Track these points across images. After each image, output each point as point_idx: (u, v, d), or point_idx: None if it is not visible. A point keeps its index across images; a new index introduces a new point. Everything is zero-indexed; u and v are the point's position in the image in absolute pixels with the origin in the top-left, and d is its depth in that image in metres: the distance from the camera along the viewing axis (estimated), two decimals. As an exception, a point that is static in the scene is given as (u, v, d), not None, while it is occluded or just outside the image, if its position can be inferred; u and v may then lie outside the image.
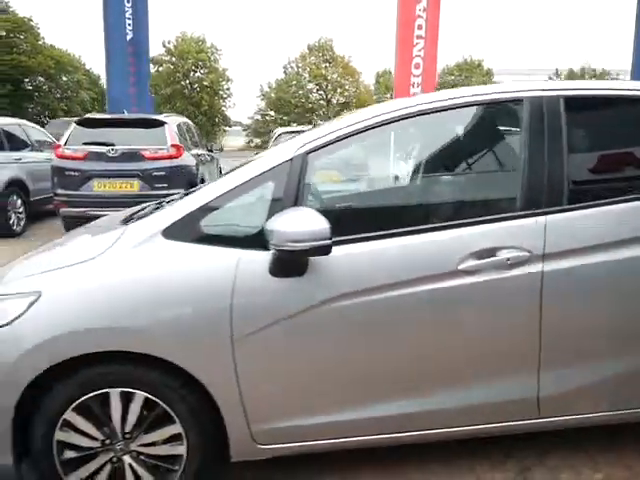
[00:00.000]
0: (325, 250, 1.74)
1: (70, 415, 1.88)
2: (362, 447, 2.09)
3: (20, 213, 7.90)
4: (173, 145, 7.28)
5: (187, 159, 7.51)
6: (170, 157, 7.21)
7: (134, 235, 1.94)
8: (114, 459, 1.94)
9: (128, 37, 10.51)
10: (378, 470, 2.22)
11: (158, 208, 2.27)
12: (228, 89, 39.30)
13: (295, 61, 39.42)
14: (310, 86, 39.26)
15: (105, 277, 1.87)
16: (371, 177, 2.30)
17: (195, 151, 8.18)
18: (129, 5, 10.35)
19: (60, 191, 7.10)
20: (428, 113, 2.03)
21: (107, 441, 1.92)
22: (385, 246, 1.92)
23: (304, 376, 1.95)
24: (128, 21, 10.43)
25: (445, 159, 2.19)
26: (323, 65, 38.47)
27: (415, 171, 2.21)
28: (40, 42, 31.74)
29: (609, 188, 2.14)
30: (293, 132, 8.38)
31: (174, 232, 1.91)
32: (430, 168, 2.20)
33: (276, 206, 1.91)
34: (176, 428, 1.92)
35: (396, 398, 1.99)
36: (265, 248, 1.86)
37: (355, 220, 1.95)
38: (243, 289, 1.86)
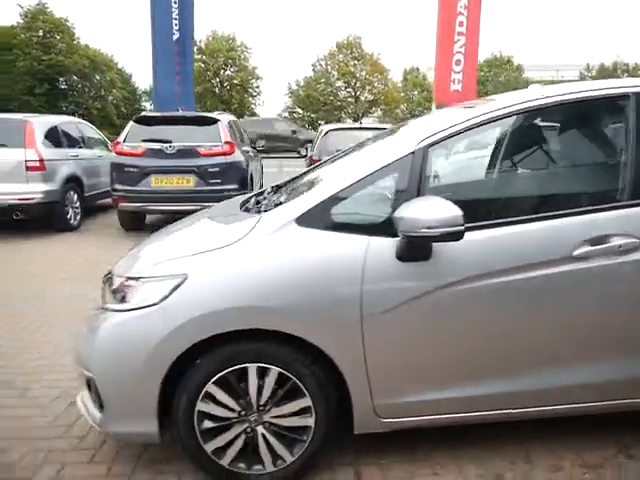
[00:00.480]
0: (458, 236, 1.87)
1: (211, 387, 2.05)
2: (472, 423, 2.21)
3: (77, 208, 8.19)
4: (227, 142, 7.48)
5: (238, 156, 7.71)
6: (224, 154, 7.43)
7: (270, 223, 2.09)
8: (248, 430, 2.10)
9: (175, 37, 10.79)
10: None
11: (276, 195, 2.42)
12: (257, 87, 39.68)
13: (324, 59, 39.59)
14: (338, 84, 39.35)
15: (246, 261, 2.03)
16: (487, 168, 2.41)
17: (244, 148, 8.38)
18: (176, 6, 10.62)
19: (119, 186, 7.37)
20: (542, 109, 2.13)
21: (242, 412, 2.09)
22: (502, 233, 2.03)
23: (426, 354, 2.08)
24: (175, 21, 10.70)
25: (561, 151, 2.29)
26: (352, 63, 38.52)
27: (531, 163, 2.32)
28: (75, 42, 32.50)
29: None
30: (340, 129, 8.50)
31: (307, 220, 2.06)
32: (546, 160, 2.30)
33: (400, 196, 2.05)
34: (306, 401, 2.07)
35: (508, 376, 2.11)
36: (390, 235, 1.99)
37: (472, 209, 2.06)
38: (372, 273, 1.99)
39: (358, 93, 38.98)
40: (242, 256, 2.04)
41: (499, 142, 2.31)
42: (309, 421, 2.09)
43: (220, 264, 2.04)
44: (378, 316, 2.01)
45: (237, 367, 2.04)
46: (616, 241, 2.03)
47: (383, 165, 2.09)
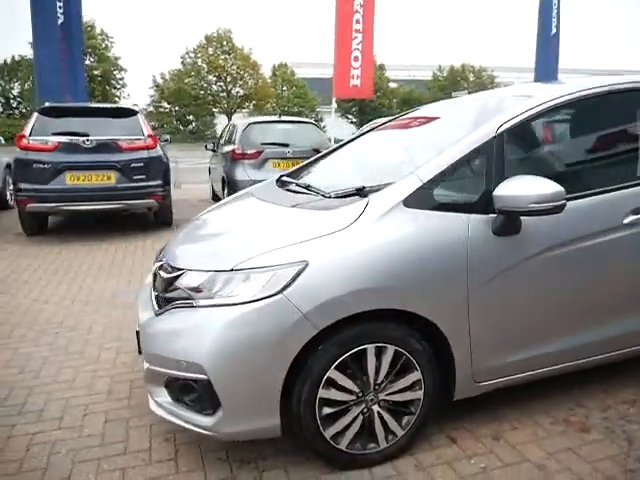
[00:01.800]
0: (561, 209, 2.09)
1: (333, 373, 2.04)
2: (550, 376, 2.48)
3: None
4: (149, 135, 7.07)
5: (160, 150, 7.32)
6: (147, 148, 7.00)
7: (380, 205, 2.12)
8: (365, 410, 2.13)
9: (59, 21, 9.77)
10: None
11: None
12: (122, 79, 37.23)
13: (194, 52, 38.33)
14: (210, 77, 38.41)
15: (362, 243, 2.05)
16: (559, 149, 2.67)
17: (159, 142, 7.95)
18: (58, -15, 9.59)
19: (25, 186, 6.56)
20: (602, 95, 2.47)
21: (360, 394, 2.11)
22: (571, 207, 2.30)
23: (519, 317, 2.29)
24: (59, 3, 9.69)
25: (614, 135, 2.62)
26: (222, 56, 37.82)
27: (592, 145, 2.63)
28: None
29: None
30: (263, 122, 8.46)
31: (413, 201, 2.13)
32: (602, 142, 2.63)
33: (490, 176, 2.22)
34: (416, 375, 2.16)
35: (585, 329, 2.42)
36: (485, 212, 2.16)
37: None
38: (475, 248, 2.14)
39: (230, 88, 38.42)
40: (357, 239, 2.06)
41: (565, 126, 2.59)
42: (419, 394, 2.19)
43: (337, 248, 2.04)
44: (480, 287, 2.17)
45: (356, 349, 2.06)
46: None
47: (471, 149, 2.23)
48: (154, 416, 2.33)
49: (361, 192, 2.26)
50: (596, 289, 2.41)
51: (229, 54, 37.71)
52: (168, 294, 2.28)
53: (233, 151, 7.96)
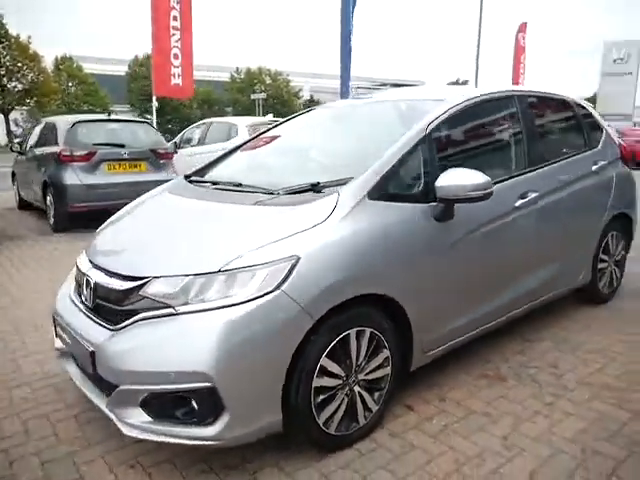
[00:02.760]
0: (490, 195, 2.48)
1: (324, 361, 2.12)
2: (479, 336, 2.91)
3: None
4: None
5: None
6: None
7: (350, 198, 2.24)
8: (348, 392, 2.25)
9: None
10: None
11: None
12: None
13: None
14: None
15: (342, 234, 2.16)
16: (469, 144, 3.04)
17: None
18: None
19: None
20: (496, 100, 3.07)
21: (345, 378, 2.22)
22: None
23: (457, 289, 2.65)
24: None
25: (505, 132, 3.15)
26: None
27: (494, 140, 3.15)
28: None
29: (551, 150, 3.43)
30: (90, 121, 7.73)
31: (373, 194, 2.31)
32: (499, 137, 3.15)
33: (426, 169, 2.52)
34: (385, 353, 2.35)
35: (499, 293, 2.92)
36: (425, 202, 2.46)
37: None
38: (423, 233, 2.43)
39: (5, 82, 33.37)
40: (337, 230, 2.16)
41: (471, 124, 3.01)
42: (387, 370, 2.39)
43: (322, 240, 2.11)
44: (430, 268, 2.47)
45: (342, 335, 2.17)
46: (531, 195, 3.02)
47: (411, 145, 2.49)
48: (103, 446, 2.15)
49: (315, 187, 2.37)
50: (506, 259, 2.94)
51: (1, 43, 32.65)
52: (127, 306, 2.09)
53: (59, 153, 7.11)
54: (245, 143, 3.57)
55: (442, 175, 2.46)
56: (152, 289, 2.06)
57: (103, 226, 2.85)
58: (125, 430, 2.03)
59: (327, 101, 5.50)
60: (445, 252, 2.54)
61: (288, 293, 1.98)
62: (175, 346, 1.94)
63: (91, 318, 2.25)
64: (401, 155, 2.46)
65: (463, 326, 2.76)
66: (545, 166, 3.23)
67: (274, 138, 3.47)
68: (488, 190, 2.47)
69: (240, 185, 2.72)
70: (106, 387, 2.12)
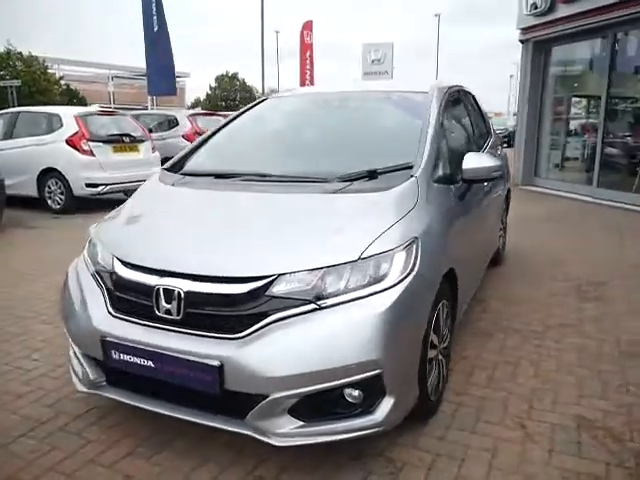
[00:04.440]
0: (503, 175, 2.88)
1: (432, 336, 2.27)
2: None
3: None
4: None
5: None
6: None
7: (424, 183, 2.39)
8: (438, 361, 2.42)
9: None
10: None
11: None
12: None
13: None
14: None
15: (431, 215, 2.34)
16: (455, 130, 3.28)
17: None
18: None
19: None
20: (457, 91, 3.36)
21: (439, 345, 2.40)
22: None
23: (469, 254, 2.99)
24: None
25: (473, 118, 3.54)
26: None
27: (467, 125, 3.45)
28: None
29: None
30: None
31: (434, 177, 2.51)
32: (468, 123, 3.50)
33: (447, 154, 2.79)
34: (448, 319, 2.59)
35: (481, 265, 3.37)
36: (452, 182, 2.74)
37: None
38: (456, 210, 2.71)
39: None
40: (427, 212, 2.32)
41: (455, 112, 3.29)
42: (449, 337, 2.63)
43: (422, 220, 2.24)
44: (462, 239, 2.76)
45: (438, 307, 2.32)
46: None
47: (432, 135, 2.72)
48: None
49: (373, 174, 2.46)
50: (482, 236, 3.42)
51: None
52: (250, 310, 1.92)
53: None
54: (214, 134, 3.32)
55: (466, 159, 2.77)
56: (281, 287, 1.92)
57: (119, 235, 2.41)
58: (277, 442, 1.89)
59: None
60: (464, 227, 2.85)
61: (420, 272, 2.07)
62: (334, 341, 1.87)
63: (186, 332, 1.97)
64: (435, 143, 2.69)
65: (469, 289, 3.14)
66: (485, 147, 3.81)
67: (260, 126, 3.33)
68: (502, 170, 2.87)
69: (269, 176, 2.62)
70: (238, 403, 1.91)
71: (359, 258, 1.97)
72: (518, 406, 2.53)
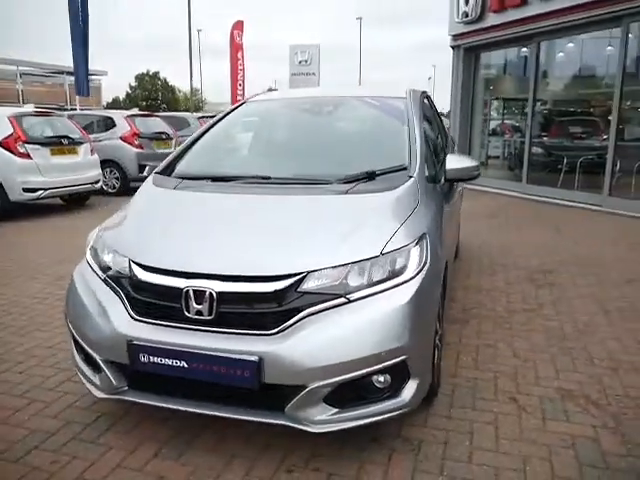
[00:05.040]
0: (479, 175, 3.12)
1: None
2: None
3: None
4: None
5: None
6: None
7: (421, 182, 2.58)
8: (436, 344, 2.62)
9: None
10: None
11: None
12: None
13: None
14: None
15: (433, 211, 2.55)
16: (431, 130, 3.44)
17: None
18: None
19: None
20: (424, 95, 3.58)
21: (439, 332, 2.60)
22: None
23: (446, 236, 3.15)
24: None
25: (435, 122, 3.74)
26: None
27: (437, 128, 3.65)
28: None
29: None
30: None
31: (427, 178, 2.71)
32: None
33: (431, 155, 3.02)
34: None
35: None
36: (435, 182, 2.96)
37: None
38: (443, 208, 2.93)
39: None
40: (428, 208, 2.52)
41: (426, 115, 3.50)
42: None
43: (427, 218, 2.43)
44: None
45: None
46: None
47: (421, 137, 2.93)
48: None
49: (372, 175, 2.63)
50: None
51: None
52: (283, 306, 2.03)
53: None
54: (200, 137, 3.33)
55: (448, 160, 3.00)
56: (311, 283, 2.03)
57: (135, 240, 2.38)
58: (316, 429, 2.01)
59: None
60: (447, 222, 3.06)
61: (431, 265, 2.25)
62: (365, 331, 2.00)
63: (219, 331, 2.04)
64: (423, 144, 2.89)
65: (450, 280, 3.39)
66: (448, 147, 4.09)
67: (249, 130, 3.39)
68: (479, 170, 3.13)
69: (269, 178, 2.72)
70: (276, 396, 2.01)
71: (380, 253, 2.12)
72: (506, 383, 2.80)
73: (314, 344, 1.96)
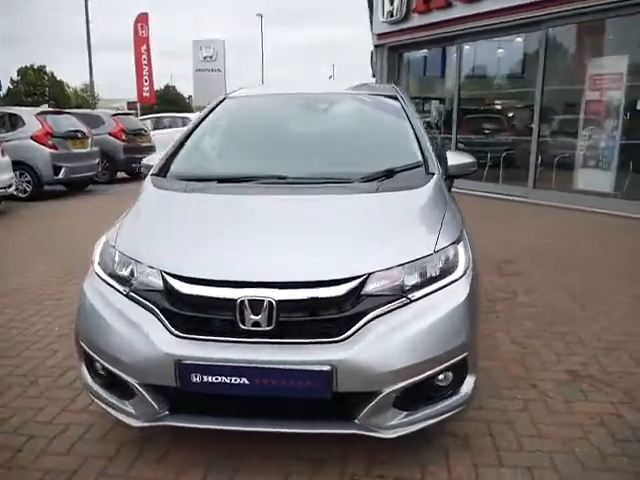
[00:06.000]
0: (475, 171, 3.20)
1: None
2: None
3: None
4: None
5: None
6: None
7: (441, 178, 2.62)
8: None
9: None
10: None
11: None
12: None
13: None
14: None
15: (457, 206, 2.57)
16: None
17: None
18: None
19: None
20: None
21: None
22: None
23: None
24: None
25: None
26: None
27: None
28: None
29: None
30: None
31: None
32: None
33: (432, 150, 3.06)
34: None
35: None
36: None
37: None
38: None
39: None
40: (452, 204, 2.54)
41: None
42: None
43: (458, 213, 2.47)
44: None
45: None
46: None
47: (426, 134, 2.98)
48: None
49: (391, 173, 2.62)
50: None
51: None
52: (348, 311, 1.95)
53: None
54: (189, 135, 3.11)
55: (449, 156, 3.04)
56: (372, 286, 1.97)
57: (164, 251, 2.13)
58: (387, 435, 1.96)
59: None
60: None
61: (473, 259, 2.28)
62: (430, 331, 1.97)
63: (281, 342, 1.91)
64: (429, 141, 2.93)
65: None
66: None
67: (244, 126, 3.20)
68: (476, 166, 3.22)
69: (286, 178, 2.61)
70: (349, 404, 1.93)
71: (434, 251, 2.11)
72: (517, 370, 2.91)
73: (386, 348, 1.90)
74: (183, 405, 2.04)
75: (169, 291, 2.00)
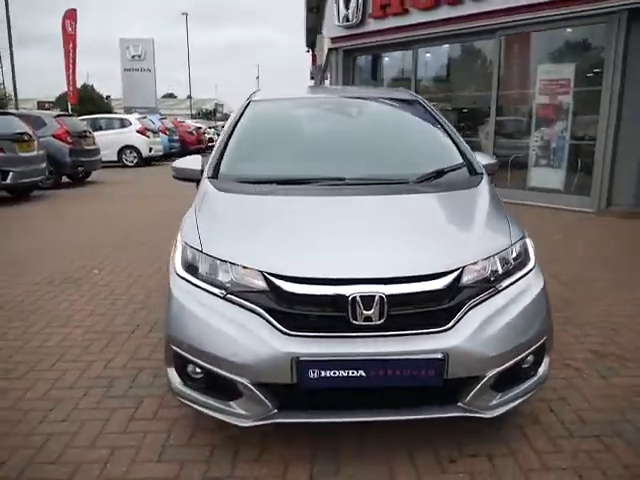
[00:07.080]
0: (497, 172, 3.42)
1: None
2: None
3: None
4: None
5: None
6: None
7: (488, 177, 2.80)
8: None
9: None
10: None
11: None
12: None
13: None
14: None
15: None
16: None
17: None
18: None
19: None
20: None
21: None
22: None
23: None
24: None
25: None
26: None
27: None
28: None
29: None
30: None
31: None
32: None
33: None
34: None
35: None
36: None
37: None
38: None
39: None
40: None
41: None
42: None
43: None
44: None
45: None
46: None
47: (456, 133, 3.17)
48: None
49: (441, 173, 2.80)
50: None
51: None
52: (448, 302, 2.09)
53: None
54: (230, 138, 3.11)
55: (478, 156, 3.27)
56: (467, 277, 2.12)
57: (264, 253, 2.15)
58: (490, 415, 2.11)
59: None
60: None
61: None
62: (520, 317, 2.14)
63: (394, 334, 2.01)
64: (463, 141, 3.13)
65: None
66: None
67: (284, 130, 3.24)
68: (497, 167, 3.45)
69: (343, 179, 2.71)
70: (456, 389, 2.07)
71: (512, 244, 2.29)
72: (548, 352, 3.17)
73: (488, 335, 2.05)
74: (293, 402, 2.09)
75: (276, 291, 2.04)
